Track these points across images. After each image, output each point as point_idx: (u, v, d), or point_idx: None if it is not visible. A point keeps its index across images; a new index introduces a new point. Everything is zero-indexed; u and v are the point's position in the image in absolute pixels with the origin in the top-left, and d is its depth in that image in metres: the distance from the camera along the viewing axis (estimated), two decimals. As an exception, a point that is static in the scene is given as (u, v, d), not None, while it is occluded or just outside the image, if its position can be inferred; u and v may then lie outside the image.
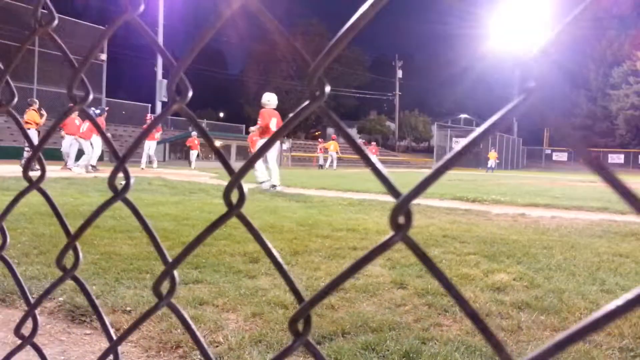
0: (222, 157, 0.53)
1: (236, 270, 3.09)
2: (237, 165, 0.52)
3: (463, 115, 59.18)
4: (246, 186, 0.54)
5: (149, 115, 16.42)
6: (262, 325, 2.21)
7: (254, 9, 0.45)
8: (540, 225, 5.57)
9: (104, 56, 25.12)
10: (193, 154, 23.15)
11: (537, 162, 48.33)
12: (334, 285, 0.43)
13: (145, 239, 3.78)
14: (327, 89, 0.42)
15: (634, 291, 0.30)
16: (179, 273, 2.10)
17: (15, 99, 0.70)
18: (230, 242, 3.99)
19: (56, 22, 0.69)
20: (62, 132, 13.92)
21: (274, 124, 9.31)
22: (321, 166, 27.43)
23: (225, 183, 0.54)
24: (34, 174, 0.70)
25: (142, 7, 0.57)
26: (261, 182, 9.27)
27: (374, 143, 33.89)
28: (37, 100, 13.66)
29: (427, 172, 0.42)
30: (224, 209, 0.55)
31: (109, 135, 0.80)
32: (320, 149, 28.72)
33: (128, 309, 2.33)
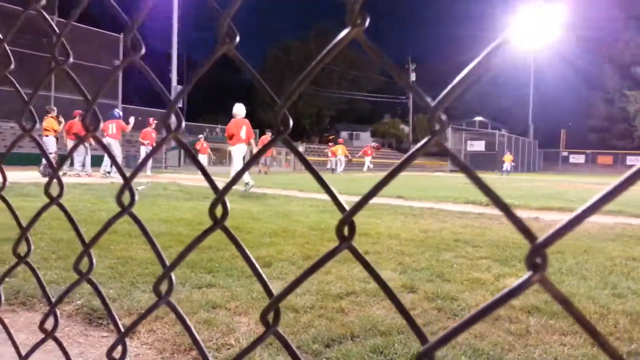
0: (207, 175, 0.58)
1: (248, 274, 3.14)
2: (252, 169, 0.58)
3: (478, 118, 58.78)
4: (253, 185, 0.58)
5: (151, 119, 16.51)
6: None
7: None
8: (552, 229, 5.53)
9: (118, 62, 25.52)
10: (202, 158, 23.29)
11: (554, 165, 47.74)
12: (294, 286, 0.48)
13: (161, 243, 3.85)
14: (291, 124, 0.48)
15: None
16: (193, 277, 2.17)
17: (101, 124, 0.76)
18: (244, 246, 4.04)
19: (71, 60, 0.75)
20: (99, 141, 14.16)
21: (244, 132, 10.39)
22: (333, 170, 27.42)
23: (239, 187, 0.59)
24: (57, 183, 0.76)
25: (143, 51, 0.63)
26: (247, 183, 9.97)
27: (367, 145, 33.62)
28: (55, 108, 13.93)
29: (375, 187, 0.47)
30: (236, 214, 0.59)
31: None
32: (331, 153, 28.71)
33: (143, 312, 2.40)
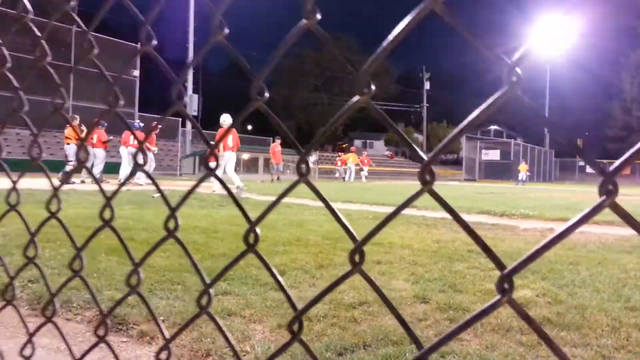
0: (241, 208, 0.64)
1: (263, 282, 3.20)
2: (265, 177, 0.64)
3: (493, 127, 58.48)
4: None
5: (154, 123, 16.70)
6: (287, 336, 2.31)
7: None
8: (568, 240, 5.50)
9: (136, 72, 25.96)
10: (212, 166, 23.33)
11: (570, 175, 47.21)
12: (314, 302, 0.54)
13: (177, 251, 3.93)
14: (266, 95, 0.54)
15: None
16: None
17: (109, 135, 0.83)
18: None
19: (96, 51, 0.83)
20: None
21: (230, 140, 11.39)
22: (344, 178, 27.41)
23: (251, 196, 0.64)
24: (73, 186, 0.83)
25: (154, 42, 0.70)
26: (237, 186, 10.90)
27: (365, 153, 33.03)
28: (77, 116, 14.23)
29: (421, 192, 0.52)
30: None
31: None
32: (341, 161, 28.66)
33: (162, 318, 2.46)
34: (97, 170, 14.60)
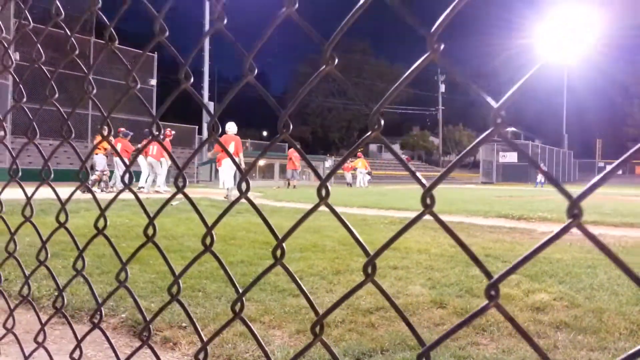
0: (267, 223, 0.70)
1: (281, 289, 3.25)
2: (279, 183, 0.70)
3: (510, 129, 57.91)
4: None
5: (168, 130, 16.77)
6: (306, 342, 2.36)
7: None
8: (586, 243, 5.45)
9: (153, 81, 26.34)
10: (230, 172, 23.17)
11: (590, 176, 46.42)
12: (333, 308, 0.59)
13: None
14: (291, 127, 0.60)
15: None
16: (229, 291, 2.31)
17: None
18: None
19: (117, 42, 0.89)
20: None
21: (232, 146, 12.27)
22: (349, 184, 27.21)
23: (269, 202, 0.70)
24: (103, 195, 0.89)
25: (167, 33, 0.76)
26: (227, 189, 12.21)
27: (359, 154, 30.88)
28: (106, 127, 14.55)
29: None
30: (267, 229, 0.71)
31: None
32: (349, 167, 28.35)
33: (184, 324, 2.53)
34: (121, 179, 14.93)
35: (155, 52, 26.93)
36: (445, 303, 3.02)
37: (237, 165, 0.90)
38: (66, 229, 0.94)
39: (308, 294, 0.64)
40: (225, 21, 0.69)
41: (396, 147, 63.81)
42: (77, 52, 0.94)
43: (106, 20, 0.91)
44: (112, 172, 15.56)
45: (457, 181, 39.69)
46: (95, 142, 13.92)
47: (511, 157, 41.79)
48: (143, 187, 14.72)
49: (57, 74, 1.06)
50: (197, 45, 0.78)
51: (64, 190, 1.10)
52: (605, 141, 52.83)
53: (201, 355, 0.72)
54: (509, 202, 12.53)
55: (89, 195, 1.23)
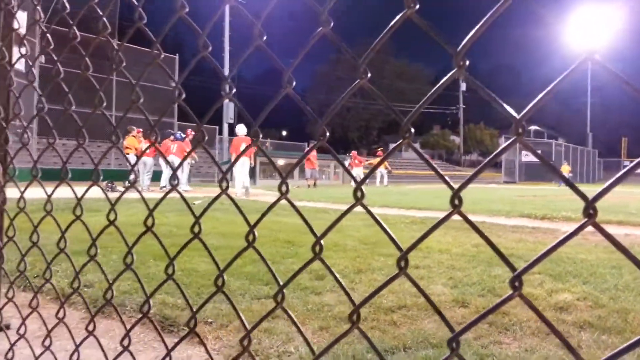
0: (306, 222, 0.74)
1: (303, 287, 3.30)
2: (300, 182, 0.75)
3: (533, 127, 57.00)
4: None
5: (189, 130, 17.00)
6: (329, 339, 2.40)
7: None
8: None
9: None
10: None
11: (615, 175, 45.41)
12: (365, 301, 0.64)
13: (221, 256, 4.08)
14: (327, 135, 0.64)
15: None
16: (252, 288, 2.36)
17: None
18: (297, 259, 4.23)
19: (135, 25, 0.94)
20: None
21: (243, 146, 13.35)
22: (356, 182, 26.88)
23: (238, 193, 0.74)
24: (132, 195, 0.94)
25: (209, 48, 0.81)
26: (244, 186, 13.58)
27: (354, 152, 27.26)
28: (134, 127, 14.96)
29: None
30: (289, 227, 0.75)
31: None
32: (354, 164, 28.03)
33: (210, 320, 2.60)
34: (147, 177, 15.30)
35: (177, 54, 27.24)
36: (467, 302, 3.03)
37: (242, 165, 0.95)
38: (116, 226, 1.00)
39: (344, 286, 0.68)
40: (265, 37, 0.73)
41: (416, 147, 63.50)
42: (124, 64, 0.99)
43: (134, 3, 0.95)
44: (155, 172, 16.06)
45: (479, 180, 39.22)
46: (125, 142, 14.31)
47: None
48: (165, 187, 14.99)
49: (87, 80, 1.11)
50: (238, 62, 0.83)
51: (93, 190, 1.16)
52: (631, 139, 51.61)
53: (245, 342, 0.77)
54: (532, 202, 12.37)
55: (119, 194, 1.29)
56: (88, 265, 1.41)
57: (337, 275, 0.70)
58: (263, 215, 0.79)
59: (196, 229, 0.85)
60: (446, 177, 0.57)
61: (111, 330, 2.67)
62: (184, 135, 16.08)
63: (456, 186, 0.57)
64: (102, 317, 2.90)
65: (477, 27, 0.53)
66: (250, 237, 0.79)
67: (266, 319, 2.65)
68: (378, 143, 62.85)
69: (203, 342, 0.88)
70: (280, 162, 28.25)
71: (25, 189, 1.20)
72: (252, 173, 25.14)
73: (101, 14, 0.97)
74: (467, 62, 0.54)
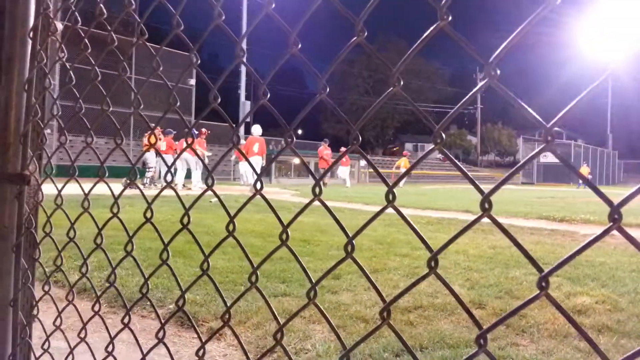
0: (337, 220, 0.76)
1: (320, 285, 3.31)
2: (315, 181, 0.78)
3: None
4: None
5: (203, 129, 17.03)
6: (345, 337, 2.42)
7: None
8: (631, 247, 5.25)
9: (192, 81, 26.94)
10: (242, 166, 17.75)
11: (636, 176, 44.62)
12: (398, 297, 0.66)
13: (238, 254, 4.14)
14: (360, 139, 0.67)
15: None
16: (269, 286, 2.40)
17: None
18: (313, 258, 4.26)
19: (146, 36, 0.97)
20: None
21: (256, 147, 14.19)
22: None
23: (305, 200, 0.77)
24: (151, 192, 0.97)
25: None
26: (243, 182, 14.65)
27: (343, 149, 23.89)
28: (172, 130, 15.28)
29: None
30: (304, 227, 0.78)
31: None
32: (396, 167, 28.32)
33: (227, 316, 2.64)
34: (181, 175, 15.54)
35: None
36: (484, 304, 3.02)
37: (248, 163, 0.98)
38: (152, 224, 1.03)
39: (376, 284, 0.71)
40: (300, 46, 0.76)
41: (431, 146, 63.10)
42: (161, 68, 1.03)
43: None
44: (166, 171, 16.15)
45: (496, 181, 38.83)
46: (145, 140, 14.64)
47: (552, 157, 40.53)
48: (177, 184, 15.16)
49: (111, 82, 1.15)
50: (274, 69, 0.85)
51: (114, 187, 1.20)
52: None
53: (278, 336, 0.80)
54: (550, 203, 12.23)
55: (149, 191, 1.33)
56: (104, 260, 1.45)
57: (369, 274, 0.72)
58: (296, 216, 0.82)
59: (230, 227, 0.87)
60: (476, 182, 0.59)
61: (131, 324, 2.72)
62: (197, 132, 16.20)
63: (486, 190, 0.59)
64: (123, 312, 2.97)
65: (511, 37, 0.55)
66: (284, 237, 0.81)
67: (282, 317, 2.68)
68: (394, 142, 62.66)
69: (236, 334, 0.91)
70: (295, 161, 28.34)
71: (63, 187, 1.24)
72: (267, 172, 25.28)
73: (139, 20, 1.00)
74: (499, 72, 0.56)
